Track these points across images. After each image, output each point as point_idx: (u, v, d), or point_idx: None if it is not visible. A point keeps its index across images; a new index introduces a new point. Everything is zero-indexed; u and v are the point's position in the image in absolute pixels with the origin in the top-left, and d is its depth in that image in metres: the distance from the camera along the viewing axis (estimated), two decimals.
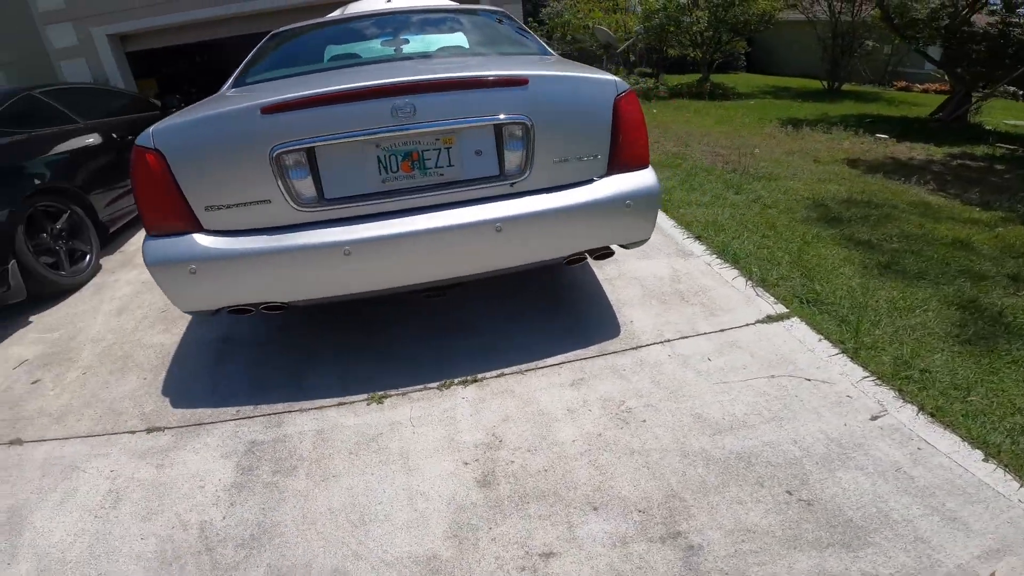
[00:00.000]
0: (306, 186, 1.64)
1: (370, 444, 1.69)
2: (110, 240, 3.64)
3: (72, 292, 3.00)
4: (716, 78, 11.76)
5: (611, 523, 1.36)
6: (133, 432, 1.84)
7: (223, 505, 1.51)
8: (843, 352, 1.94)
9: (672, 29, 9.59)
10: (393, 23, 2.70)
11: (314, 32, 2.70)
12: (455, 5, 3.00)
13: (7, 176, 2.77)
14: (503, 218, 1.68)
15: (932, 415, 1.62)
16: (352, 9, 4.61)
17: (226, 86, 2.29)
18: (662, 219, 3.31)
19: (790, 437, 1.57)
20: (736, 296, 2.36)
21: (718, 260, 2.72)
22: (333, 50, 2.49)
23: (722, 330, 2.12)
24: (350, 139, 1.60)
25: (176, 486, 1.59)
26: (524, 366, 1.99)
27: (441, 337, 2.22)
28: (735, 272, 2.58)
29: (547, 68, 1.84)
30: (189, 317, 2.56)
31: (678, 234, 3.08)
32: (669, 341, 2.07)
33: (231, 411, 1.90)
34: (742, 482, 1.43)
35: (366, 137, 1.61)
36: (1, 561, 1.39)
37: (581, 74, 1.82)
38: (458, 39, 2.54)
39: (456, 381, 1.93)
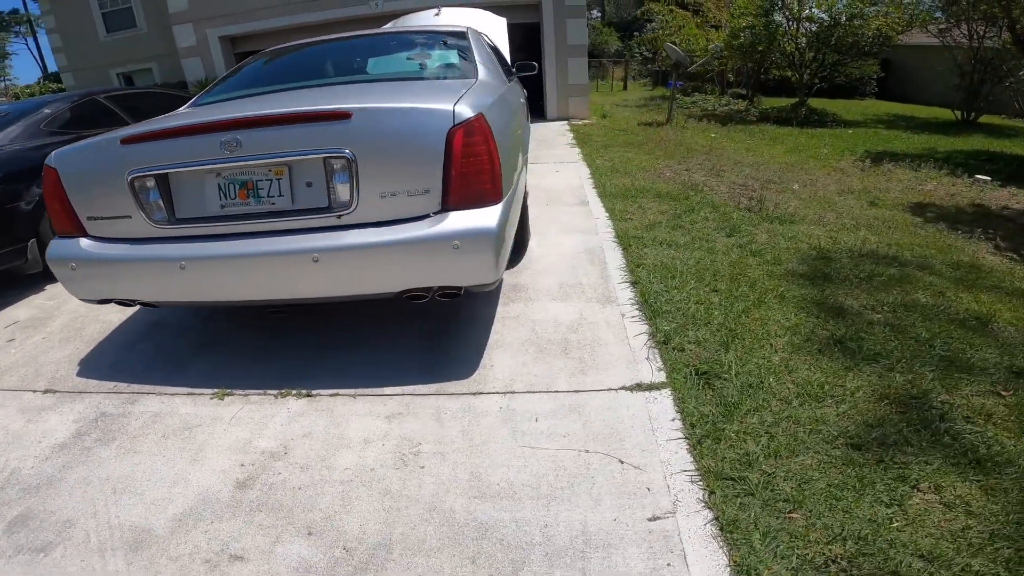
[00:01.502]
0: (158, 207, 1.89)
1: (183, 432, 1.91)
2: None
3: None
4: (820, 103, 10.76)
5: (311, 550, 1.43)
6: (35, 391, 2.24)
7: (41, 458, 1.83)
8: (686, 438, 1.78)
9: (762, 49, 8.92)
10: (356, 49, 2.94)
11: (282, 56, 3.01)
12: (436, 27, 3.17)
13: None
14: (320, 248, 1.79)
15: (722, 529, 1.44)
16: (400, 23, 5.00)
17: (188, 104, 2.66)
18: (615, 257, 3.19)
19: (519, 519, 1.49)
20: (624, 355, 2.23)
21: (637, 311, 2.58)
22: (281, 75, 2.77)
23: (576, 391, 2.03)
24: (194, 168, 1.82)
25: (26, 438, 1.95)
26: (361, 391, 2.08)
27: (319, 348, 2.38)
28: (644, 328, 2.43)
29: (382, 99, 1.91)
30: (47, 337, 3.00)
31: (617, 276, 2.95)
32: (512, 393, 2.03)
33: (110, 385, 2.23)
34: (456, 554, 1.40)
35: (206, 167, 1.82)
36: None
37: (410, 105, 1.82)
38: (397, 65, 2.70)
39: (294, 392, 2.08)
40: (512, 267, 3.07)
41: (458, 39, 2.86)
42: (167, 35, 11.43)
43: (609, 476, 1.64)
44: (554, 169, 5.60)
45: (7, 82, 37.48)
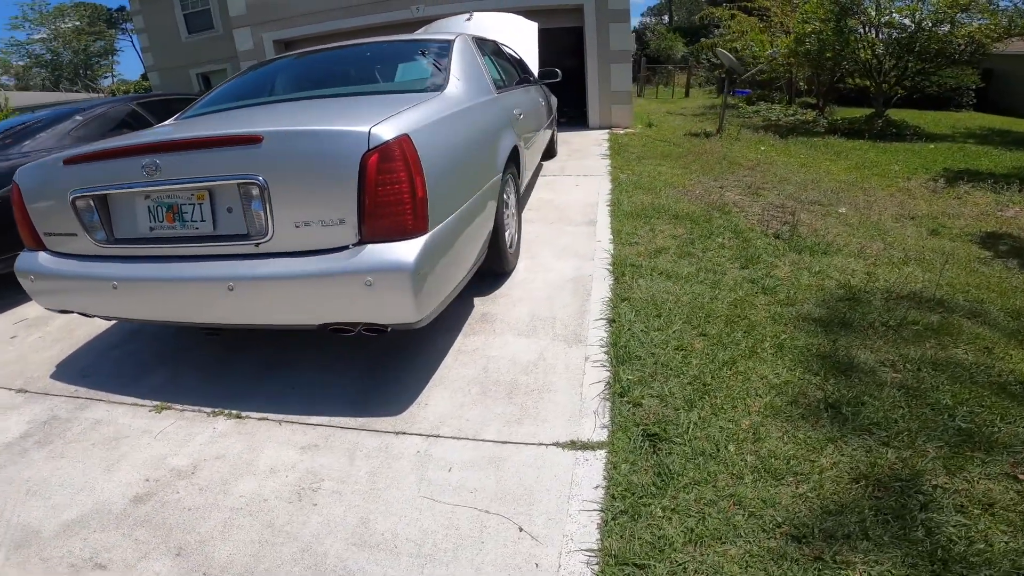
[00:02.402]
0: (98, 226, 1.97)
1: (112, 442, 2.00)
2: None
3: None
4: (903, 115, 9.80)
5: (172, 570, 1.46)
6: (10, 390, 2.42)
7: None
8: (601, 511, 1.61)
9: (831, 56, 8.23)
10: (338, 61, 2.97)
11: (264, 68, 3.10)
12: (425, 36, 3.16)
13: None
14: (233, 276, 1.79)
15: None
16: (428, 29, 5.06)
17: (174, 117, 2.79)
18: (601, 288, 3.00)
19: None
20: (570, 406, 2.08)
21: (604, 354, 2.40)
22: (255, 90, 2.84)
23: (503, 442, 1.90)
24: (126, 190, 1.89)
25: None
26: (289, 417, 2.07)
27: (266, 369, 2.40)
28: (605, 375, 2.26)
29: (297, 120, 1.88)
30: (42, 337, 3.18)
31: (596, 311, 2.77)
32: (436, 437, 1.94)
33: (72, 389, 2.37)
34: None
35: (134, 189, 1.87)
36: None
37: (322, 127, 1.75)
38: (365, 78, 2.69)
39: (225, 412, 2.11)
40: (488, 294, 2.98)
41: (440, 48, 2.79)
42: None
43: (501, 544, 1.51)
44: (574, 183, 5.43)
45: (114, 78, 41.72)
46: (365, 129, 1.69)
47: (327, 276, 1.74)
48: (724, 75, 9.48)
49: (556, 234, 3.92)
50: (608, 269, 3.25)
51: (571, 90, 8.73)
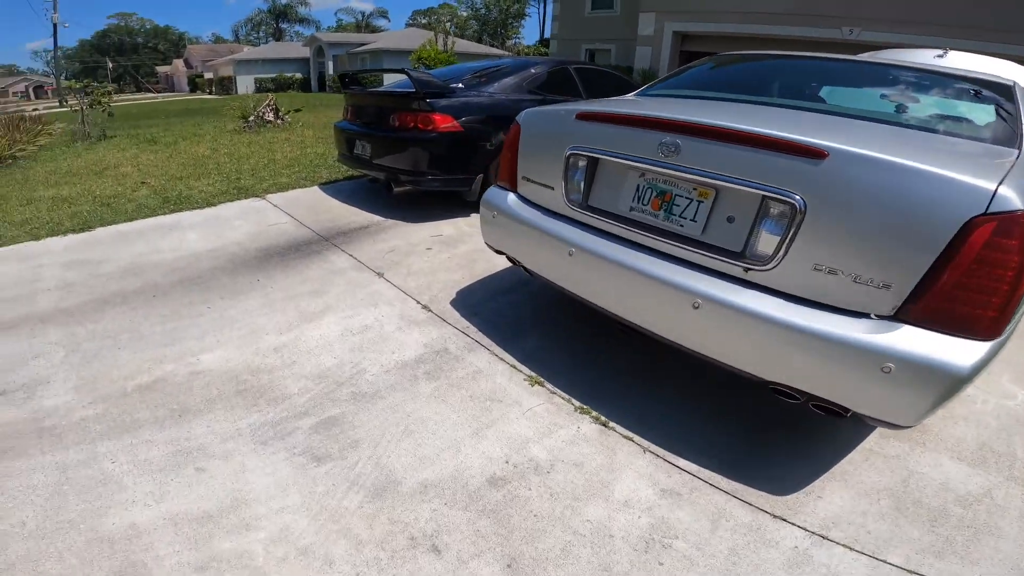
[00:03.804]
0: (578, 188, 2.03)
1: (486, 402, 2.10)
2: None
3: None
4: None
5: None
6: (417, 302, 2.88)
7: (384, 369, 2.31)
8: None
9: None
10: (840, 74, 2.54)
11: (734, 64, 2.85)
12: (950, 70, 2.47)
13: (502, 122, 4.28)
14: (706, 296, 1.59)
15: None
16: (882, 57, 4.26)
17: (635, 92, 2.82)
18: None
19: None
20: (1018, 559, 1.32)
21: None
22: (728, 85, 2.61)
23: (912, 572, 1.30)
24: (623, 160, 1.86)
25: (387, 344, 2.49)
26: (653, 446, 1.89)
27: (638, 381, 2.27)
28: None
29: (878, 147, 1.45)
30: (451, 257, 3.51)
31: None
32: (823, 539, 1.45)
33: (463, 324, 2.67)
34: None
35: (634, 163, 1.82)
36: (283, 328, 2.58)
37: (923, 167, 1.34)
38: (887, 102, 2.18)
39: (592, 414, 2.04)
40: None
41: (997, 91, 2.09)
42: (631, 21, 13.09)
43: None
44: None
45: (517, 40, 50.04)
46: (989, 187, 1.26)
47: (827, 339, 1.41)
48: None
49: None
50: None
51: None
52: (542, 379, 2.24)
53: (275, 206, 4.58)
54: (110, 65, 52.63)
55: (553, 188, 2.11)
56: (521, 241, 2.25)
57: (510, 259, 2.43)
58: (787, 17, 8.94)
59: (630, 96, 2.74)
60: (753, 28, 9.22)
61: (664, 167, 1.73)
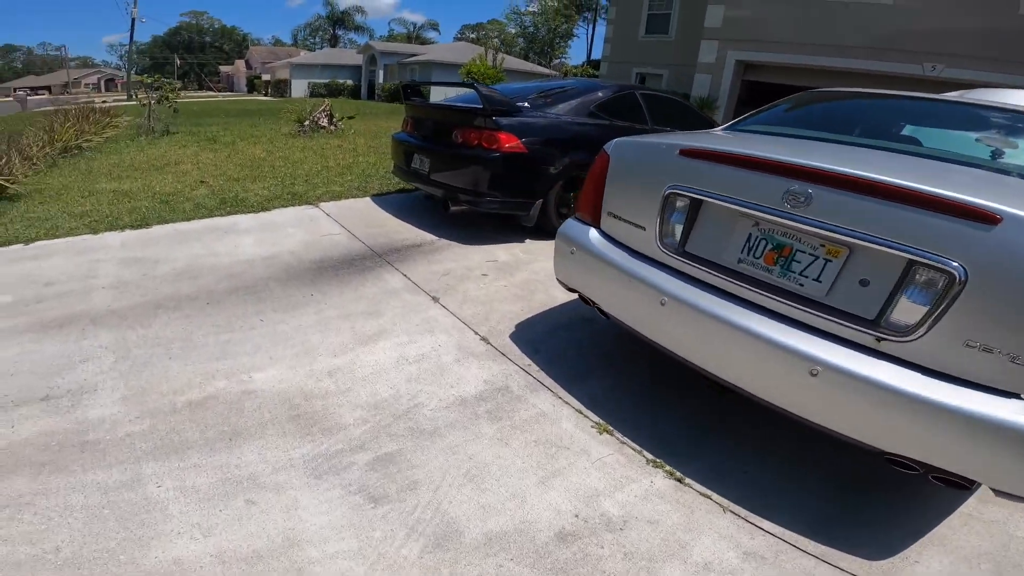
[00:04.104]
0: (675, 231, 1.86)
1: (551, 448, 1.96)
2: None
3: (554, 237, 4.28)
4: None
5: None
6: (476, 333, 2.73)
7: (443, 404, 2.17)
8: None
9: None
10: (931, 116, 2.33)
11: (824, 102, 2.66)
12: None
13: (577, 147, 4.14)
14: (830, 365, 1.42)
15: None
16: (974, 97, 3.93)
17: (724, 127, 2.65)
18: None
19: None
20: None
21: None
22: (824, 123, 2.42)
23: None
24: (735, 206, 1.68)
25: (446, 377, 2.35)
26: (733, 505, 1.76)
27: (707, 427, 2.13)
28: None
29: None
30: (507, 286, 3.34)
31: None
32: None
33: (525, 361, 2.53)
34: None
35: (749, 210, 1.65)
36: (337, 351, 2.45)
37: None
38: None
39: (667, 468, 1.91)
40: None
41: None
42: (686, 47, 12.96)
43: None
44: None
45: (563, 60, 50.43)
46: None
47: (970, 418, 1.26)
48: None
49: None
50: None
51: None
52: (610, 427, 2.09)
53: (328, 215, 4.55)
54: (177, 62, 55.25)
55: (644, 229, 1.95)
56: (603, 283, 2.08)
57: (583, 298, 2.27)
58: (856, 51, 8.62)
59: (720, 131, 2.57)
60: (822, 60, 8.92)
61: (787, 218, 1.55)
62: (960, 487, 1.40)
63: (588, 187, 2.24)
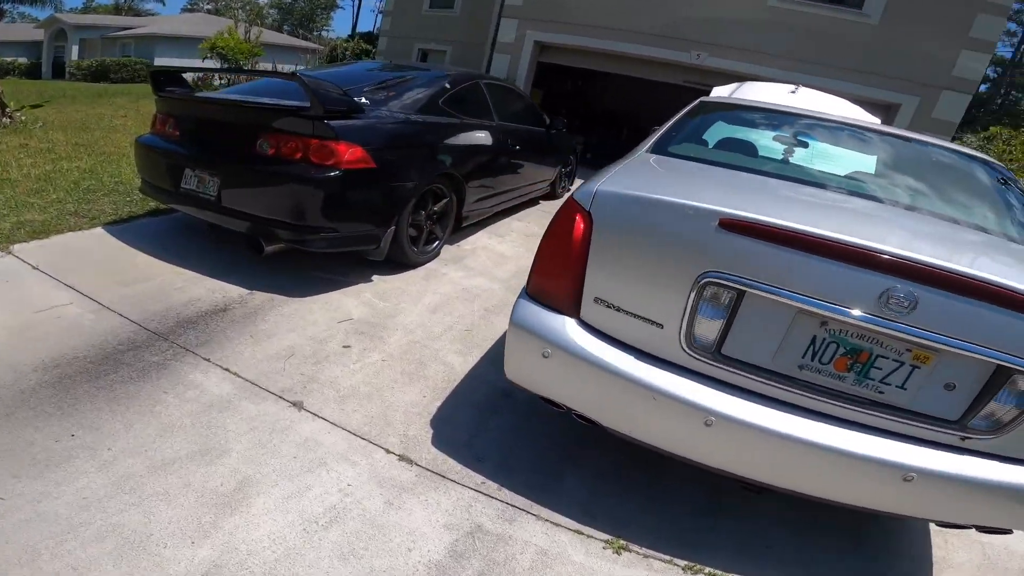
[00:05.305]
0: (710, 329, 1.53)
1: None
2: (455, 233, 4.33)
3: (410, 268, 3.68)
4: None
5: None
6: (387, 451, 2.07)
7: None
8: None
9: None
10: (860, 141, 2.47)
11: (757, 116, 2.65)
12: (926, 138, 2.59)
13: (432, 154, 3.58)
14: (920, 469, 1.43)
15: None
16: (744, 93, 4.21)
17: (644, 146, 2.30)
18: None
19: None
20: None
21: None
22: (783, 153, 2.34)
23: None
24: (799, 303, 1.41)
25: (390, 536, 1.72)
26: None
27: (709, 507, 2.05)
28: None
29: None
30: (487, 346, 2.88)
31: None
32: None
33: (476, 478, 2.01)
34: None
35: (821, 310, 1.40)
36: (193, 535, 1.61)
37: None
38: (960, 197, 2.14)
39: (706, 571, 1.78)
40: None
41: (1008, 177, 2.26)
42: (471, 23, 12.86)
43: None
44: None
45: (326, 32, 46.34)
46: None
47: None
48: None
49: None
50: None
51: None
52: (622, 540, 1.84)
53: (36, 268, 2.95)
54: None
55: (663, 326, 1.56)
56: (607, 399, 1.65)
57: (555, 405, 1.80)
58: (645, 37, 9.53)
59: (653, 160, 2.19)
60: (614, 45, 9.64)
61: (879, 324, 1.35)
62: (1002, 532, 1.58)
63: (555, 258, 1.71)
